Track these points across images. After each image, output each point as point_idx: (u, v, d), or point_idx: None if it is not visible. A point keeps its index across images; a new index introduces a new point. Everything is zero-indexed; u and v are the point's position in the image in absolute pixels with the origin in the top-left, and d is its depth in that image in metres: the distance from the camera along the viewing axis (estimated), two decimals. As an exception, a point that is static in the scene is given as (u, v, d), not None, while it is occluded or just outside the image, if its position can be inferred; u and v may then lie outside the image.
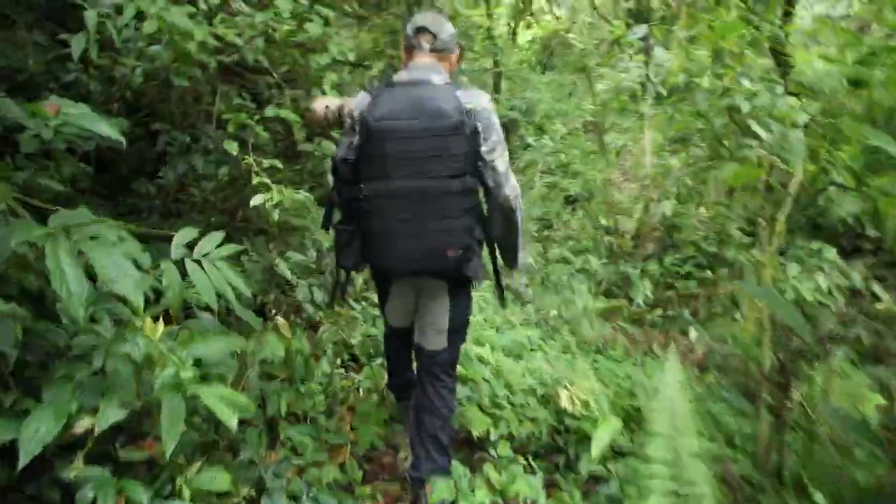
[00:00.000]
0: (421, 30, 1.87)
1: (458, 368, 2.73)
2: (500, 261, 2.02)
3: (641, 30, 3.17)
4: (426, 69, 1.81)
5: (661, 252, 3.95)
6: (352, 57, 3.21)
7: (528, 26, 16.06)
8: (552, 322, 3.29)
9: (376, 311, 3.31)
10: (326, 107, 2.09)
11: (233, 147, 2.67)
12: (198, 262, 1.84)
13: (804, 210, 6.16)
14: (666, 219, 3.48)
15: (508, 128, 10.43)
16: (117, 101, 3.24)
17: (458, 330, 2.01)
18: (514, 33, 12.66)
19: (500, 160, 1.77)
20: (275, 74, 3.33)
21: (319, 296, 3.03)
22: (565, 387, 2.31)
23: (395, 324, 2.23)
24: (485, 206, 1.86)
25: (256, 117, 2.93)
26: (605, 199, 5.44)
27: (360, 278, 3.56)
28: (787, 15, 5.76)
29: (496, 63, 10.80)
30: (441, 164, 1.65)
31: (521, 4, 12.21)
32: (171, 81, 2.80)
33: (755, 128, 2.50)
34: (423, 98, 1.67)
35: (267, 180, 2.51)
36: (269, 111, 2.85)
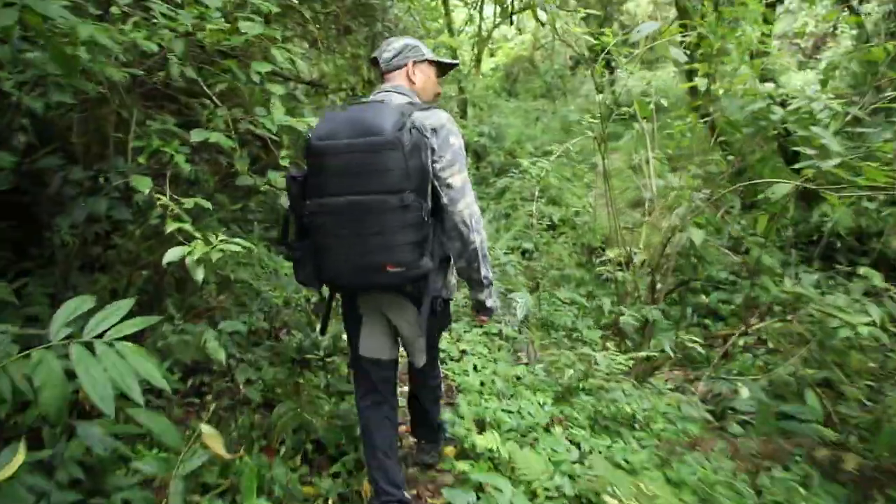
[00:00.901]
0: (372, 61, 2.05)
1: (462, 465, 2.09)
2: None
3: (649, 26, 2.67)
4: (387, 91, 1.93)
5: (682, 287, 3.39)
6: (305, 71, 2.59)
7: (492, 54, 15.88)
8: (566, 382, 2.65)
9: (345, 386, 2.62)
10: None
11: (144, 183, 2.01)
12: (89, 345, 1.35)
13: (796, 224, 5.75)
14: (693, 248, 2.91)
15: (479, 154, 9.97)
16: (19, 132, 2.59)
17: (433, 345, 2.09)
18: (478, 60, 12.36)
19: (457, 177, 1.78)
20: (210, 93, 2.69)
21: (271, 372, 2.33)
22: (613, 494, 1.66)
23: (368, 354, 2.02)
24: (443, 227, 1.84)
25: (183, 144, 2.28)
26: (597, 226, 4.91)
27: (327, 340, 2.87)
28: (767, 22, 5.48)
29: (461, 90, 10.41)
30: (377, 179, 1.65)
31: (482, 33, 11.95)
32: (85, 107, 2.15)
33: (816, 132, 1.98)
34: (362, 116, 1.71)
35: (188, 226, 1.85)
36: (196, 135, 2.19)
